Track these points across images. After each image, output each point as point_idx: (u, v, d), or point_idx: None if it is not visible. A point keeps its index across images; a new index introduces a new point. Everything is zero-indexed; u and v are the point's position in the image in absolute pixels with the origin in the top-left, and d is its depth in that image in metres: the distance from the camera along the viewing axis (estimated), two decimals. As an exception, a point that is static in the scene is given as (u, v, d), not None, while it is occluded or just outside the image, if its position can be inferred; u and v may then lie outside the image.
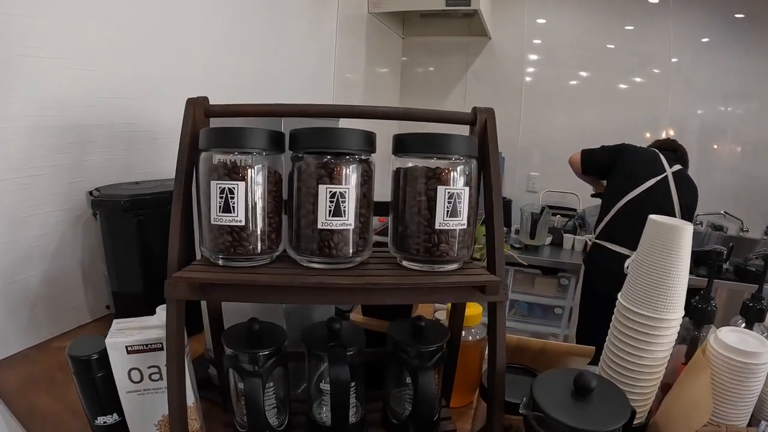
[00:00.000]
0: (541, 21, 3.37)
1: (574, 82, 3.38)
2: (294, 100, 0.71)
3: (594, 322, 2.31)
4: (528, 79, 3.46)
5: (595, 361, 0.90)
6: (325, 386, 0.77)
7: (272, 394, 0.78)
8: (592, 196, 2.55)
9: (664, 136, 3.11)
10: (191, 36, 1.61)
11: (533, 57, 3.44)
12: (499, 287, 0.67)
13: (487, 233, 0.71)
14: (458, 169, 0.65)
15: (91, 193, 1.20)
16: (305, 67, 2.37)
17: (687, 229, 0.73)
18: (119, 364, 0.75)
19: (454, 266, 0.68)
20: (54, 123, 1.19)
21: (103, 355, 0.74)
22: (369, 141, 0.66)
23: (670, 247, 0.73)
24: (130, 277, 1.20)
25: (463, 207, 0.65)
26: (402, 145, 0.68)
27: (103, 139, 1.32)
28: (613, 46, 3.27)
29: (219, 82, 1.75)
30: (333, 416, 0.72)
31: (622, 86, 3.29)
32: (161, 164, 1.48)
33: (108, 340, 0.74)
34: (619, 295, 0.81)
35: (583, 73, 3.36)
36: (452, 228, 0.65)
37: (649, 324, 0.74)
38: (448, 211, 0.64)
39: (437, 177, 0.64)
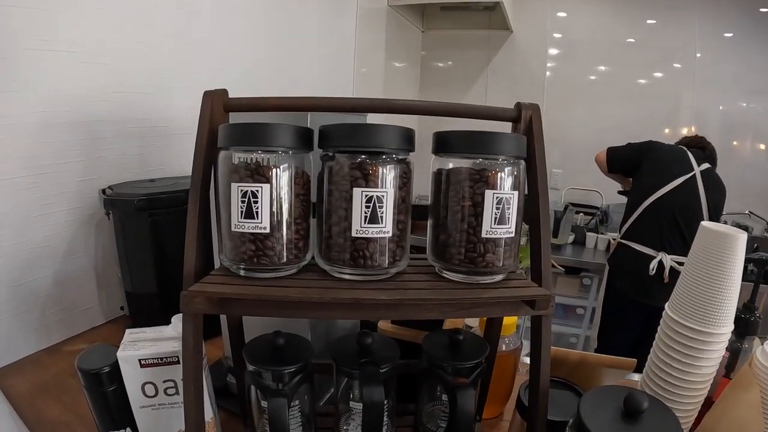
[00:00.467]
0: (561, 14, 3.29)
1: (595, 77, 3.30)
2: (313, 95, 0.65)
3: (616, 324, 2.27)
4: (549, 74, 3.38)
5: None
6: (355, 404, 0.72)
7: (297, 412, 0.73)
8: (620, 193, 2.46)
9: (685, 132, 3.03)
10: (206, 28, 1.56)
11: (554, 51, 3.35)
12: (549, 301, 0.60)
13: (532, 242, 0.64)
14: (506, 170, 0.58)
15: (103, 191, 1.17)
16: (325, 61, 2.32)
17: (741, 238, 0.66)
18: (132, 378, 0.70)
19: (499, 278, 0.61)
20: (64, 119, 1.14)
21: (115, 367, 0.69)
22: (408, 138, 0.59)
23: (723, 257, 0.67)
24: (144, 277, 1.17)
25: (512, 213, 0.58)
26: (444, 143, 0.61)
27: (115, 135, 1.27)
28: (634, 41, 3.18)
29: (235, 76, 1.70)
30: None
31: (644, 81, 3.20)
32: (177, 161, 1.43)
33: (120, 353, 0.69)
34: (666, 306, 0.75)
35: (605, 68, 3.27)
36: (500, 236, 0.58)
37: (699, 338, 0.68)
38: (496, 217, 0.57)
39: (484, 180, 0.57)
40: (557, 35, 3.33)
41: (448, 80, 3.62)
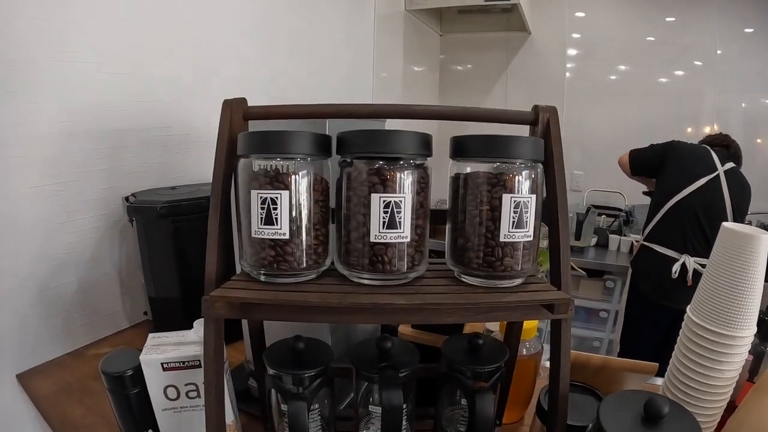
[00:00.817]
0: (580, 14, 3.26)
1: (615, 77, 3.26)
2: (333, 101, 0.66)
3: (639, 327, 2.25)
4: (569, 74, 3.35)
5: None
6: (375, 408, 0.73)
7: (317, 415, 0.74)
8: (645, 194, 2.43)
9: (708, 131, 2.98)
10: (225, 35, 1.58)
11: (573, 52, 3.33)
12: (569, 305, 0.60)
13: (551, 245, 0.64)
14: (523, 174, 0.58)
15: (127, 198, 1.19)
16: (343, 66, 2.34)
17: (764, 239, 0.65)
18: (154, 381, 0.72)
19: (517, 281, 0.62)
20: (86, 128, 1.17)
21: (138, 371, 0.71)
22: (425, 143, 0.60)
23: (745, 258, 0.66)
24: (167, 283, 1.19)
25: (530, 217, 0.58)
26: (461, 148, 0.61)
27: (137, 143, 1.30)
28: (653, 39, 3.14)
29: (255, 83, 1.72)
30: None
31: (664, 80, 3.15)
32: (198, 168, 1.46)
33: (143, 357, 0.71)
34: (687, 309, 0.74)
35: (624, 67, 3.23)
36: (518, 240, 0.58)
37: (721, 341, 0.67)
38: (514, 221, 0.57)
39: (502, 184, 0.57)
40: (576, 35, 3.30)
41: (468, 83, 3.61)
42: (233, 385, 0.78)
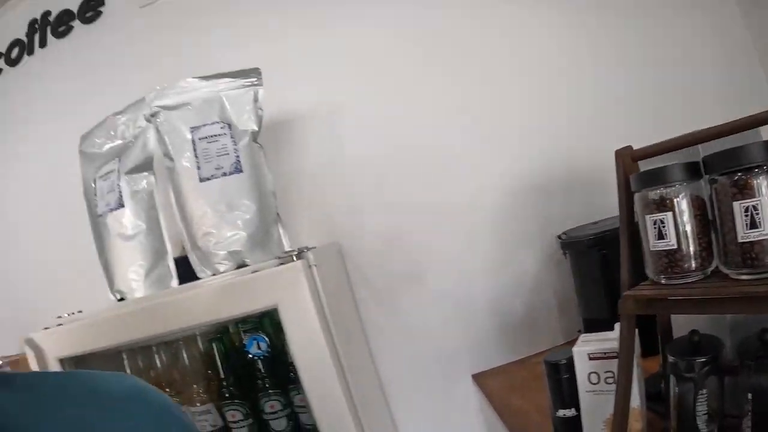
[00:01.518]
0: None
1: None
2: (716, 115, 0.80)
3: None
4: None
5: None
6: (752, 399, 0.80)
7: (704, 401, 0.84)
8: None
9: None
10: (589, 84, 1.70)
11: None
12: None
13: None
14: None
15: (559, 236, 1.48)
16: (707, 73, 1.74)
17: None
18: (582, 368, 0.96)
19: None
20: (519, 184, 1.56)
21: (570, 361, 0.98)
22: (773, 149, 0.68)
23: None
24: (597, 304, 1.40)
25: None
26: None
27: (560, 190, 1.59)
28: None
29: (635, 122, 1.60)
30: (753, 429, 0.76)
31: None
32: (611, 204, 1.54)
33: (575, 349, 0.97)
34: None
35: None
36: None
37: None
38: None
39: None
40: None
41: None
42: (646, 389, 0.98)
